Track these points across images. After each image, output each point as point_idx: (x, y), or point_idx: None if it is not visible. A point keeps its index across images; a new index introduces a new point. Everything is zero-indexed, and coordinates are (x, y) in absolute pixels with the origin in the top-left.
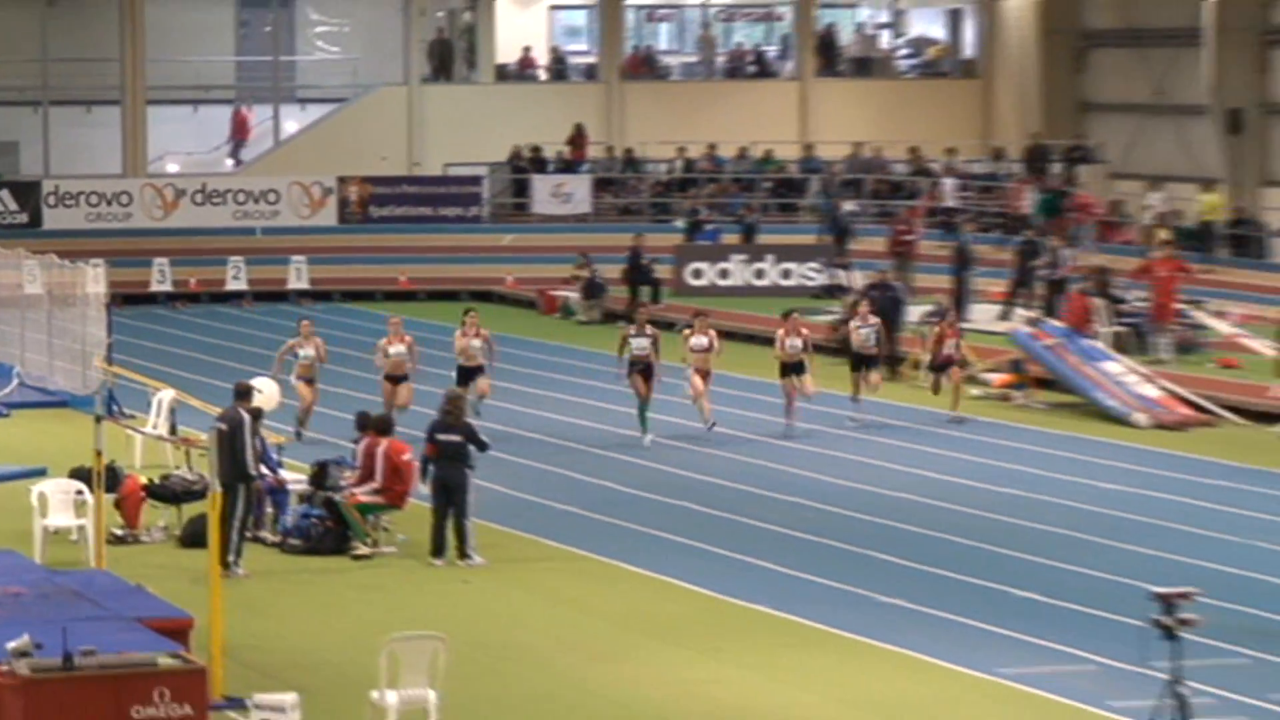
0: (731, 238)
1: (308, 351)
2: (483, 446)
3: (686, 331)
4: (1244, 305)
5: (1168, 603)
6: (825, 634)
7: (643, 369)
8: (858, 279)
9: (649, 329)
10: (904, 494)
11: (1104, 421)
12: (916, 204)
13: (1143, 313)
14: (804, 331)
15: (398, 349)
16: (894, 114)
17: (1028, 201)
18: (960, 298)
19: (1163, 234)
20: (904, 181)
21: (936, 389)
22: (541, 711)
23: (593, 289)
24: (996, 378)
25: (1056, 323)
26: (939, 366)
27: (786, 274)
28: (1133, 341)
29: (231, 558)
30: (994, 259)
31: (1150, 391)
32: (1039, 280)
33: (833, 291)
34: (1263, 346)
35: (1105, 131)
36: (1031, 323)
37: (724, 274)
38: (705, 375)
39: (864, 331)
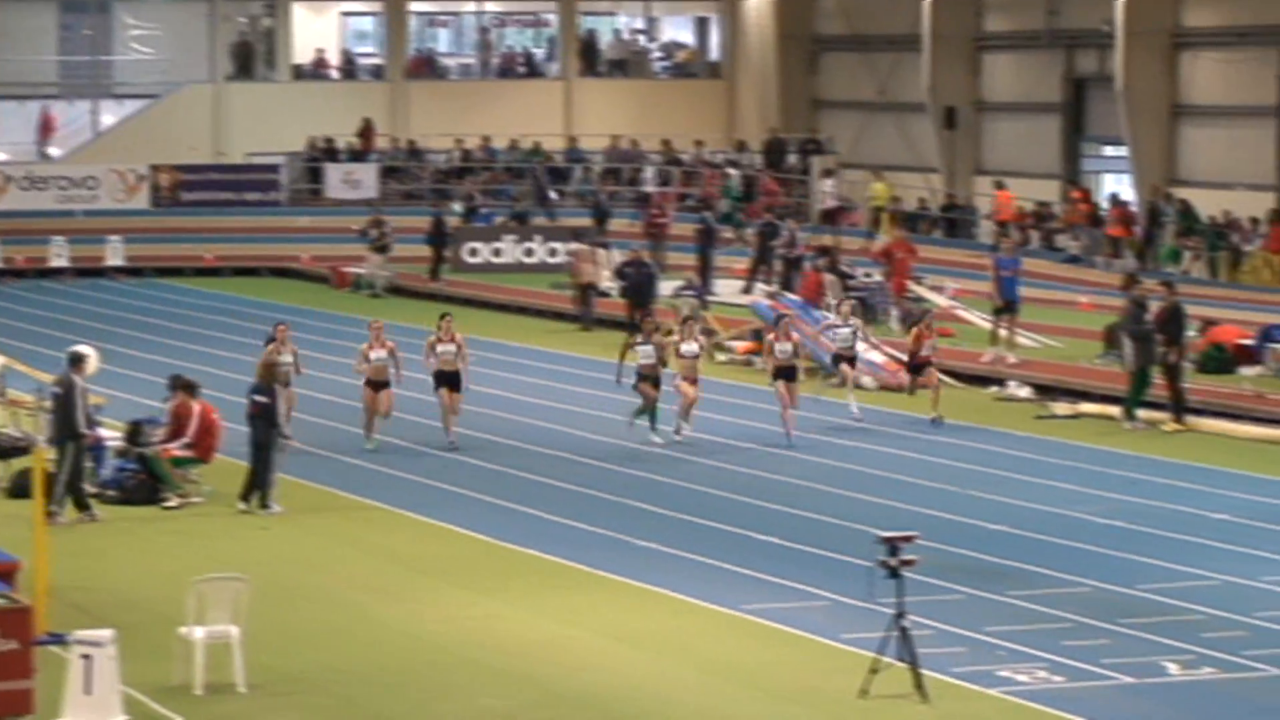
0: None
1: (285, 358)
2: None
3: (674, 336)
4: (958, 280)
5: (892, 545)
6: (589, 575)
7: (652, 380)
8: (616, 257)
9: (656, 337)
10: (659, 449)
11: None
12: (668, 190)
13: (870, 287)
14: (794, 336)
15: (379, 354)
16: (649, 110)
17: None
18: (705, 274)
19: (890, 219)
20: (659, 170)
21: (913, 390)
22: (334, 643)
23: (383, 245)
24: (740, 345)
25: (793, 296)
26: (916, 367)
27: (553, 252)
28: (860, 313)
29: (54, 507)
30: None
31: (876, 357)
32: (777, 258)
33: None
34: (974, 317)
35: (835, 126)
36: (771, 296)
37: (497, 253)
38: (694, 383)
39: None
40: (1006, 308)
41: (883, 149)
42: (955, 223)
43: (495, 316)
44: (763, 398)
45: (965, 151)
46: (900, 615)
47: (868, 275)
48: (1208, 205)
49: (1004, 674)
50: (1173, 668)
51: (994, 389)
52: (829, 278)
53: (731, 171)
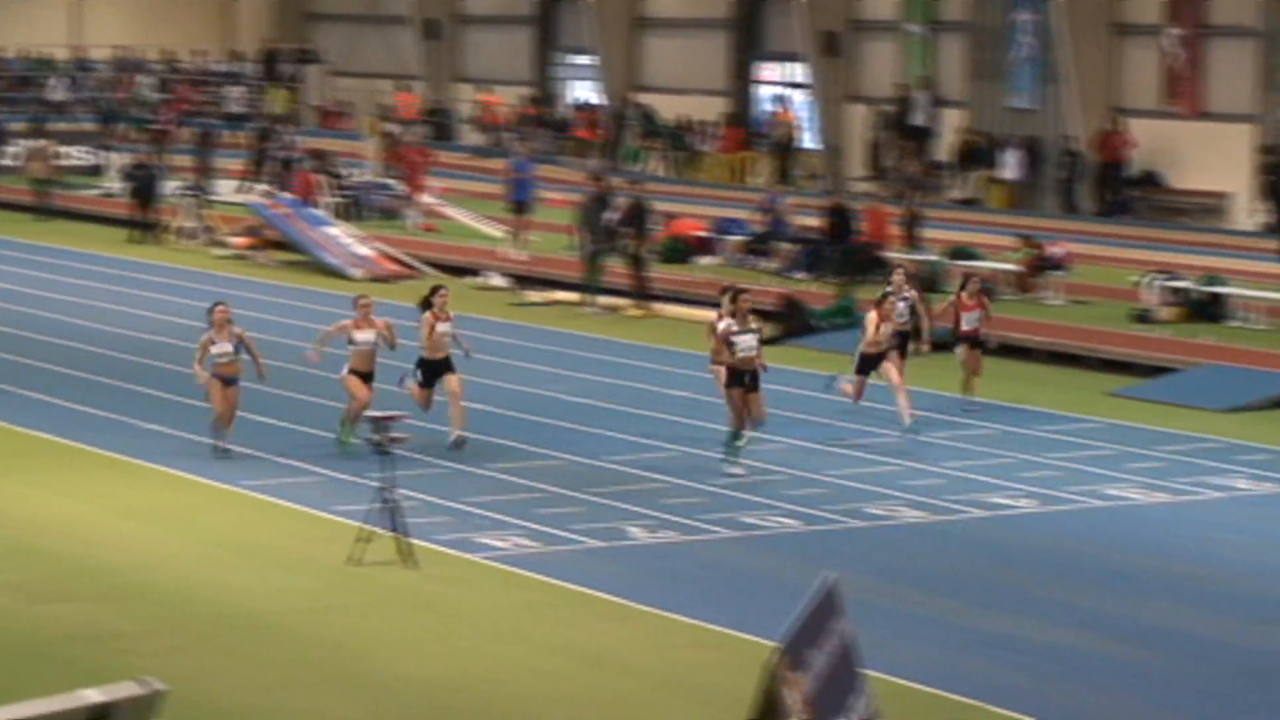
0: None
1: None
2: None
3: (719, 315)
4: (441, 180)
5: (380, 424)
6: (98, 455)
7: (749, 380)
8: (120, 159)
9: (753, 321)
10: (160, 337)
11: (327, 276)
12: (170, 98)
13: (359, 187)
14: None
15: (365, 335)
16: (152, 22)
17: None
18: (205, 175)
19: (386, 126)
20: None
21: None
22: None
23: None
24: (238, 240)
25: (287, 195)
26: (966, 339)
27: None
28: (350, 210)
29: None
30: (233, 143)
31: (365, 251)
32: (273, 160)
33: (97, 170)
34: (459, 215)
35: (328, 38)
36: (266, 195)
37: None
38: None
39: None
40: (517, 209)
41: (370, 59)
42: (439, 126)
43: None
44: (265, 290)
45: (446, 61)
46: (387, 489)
47: (353, 174)
48: (668, 110)
49: (484, 540)
50: (636, 532)
51: (472, 279)
52: (320, 178)
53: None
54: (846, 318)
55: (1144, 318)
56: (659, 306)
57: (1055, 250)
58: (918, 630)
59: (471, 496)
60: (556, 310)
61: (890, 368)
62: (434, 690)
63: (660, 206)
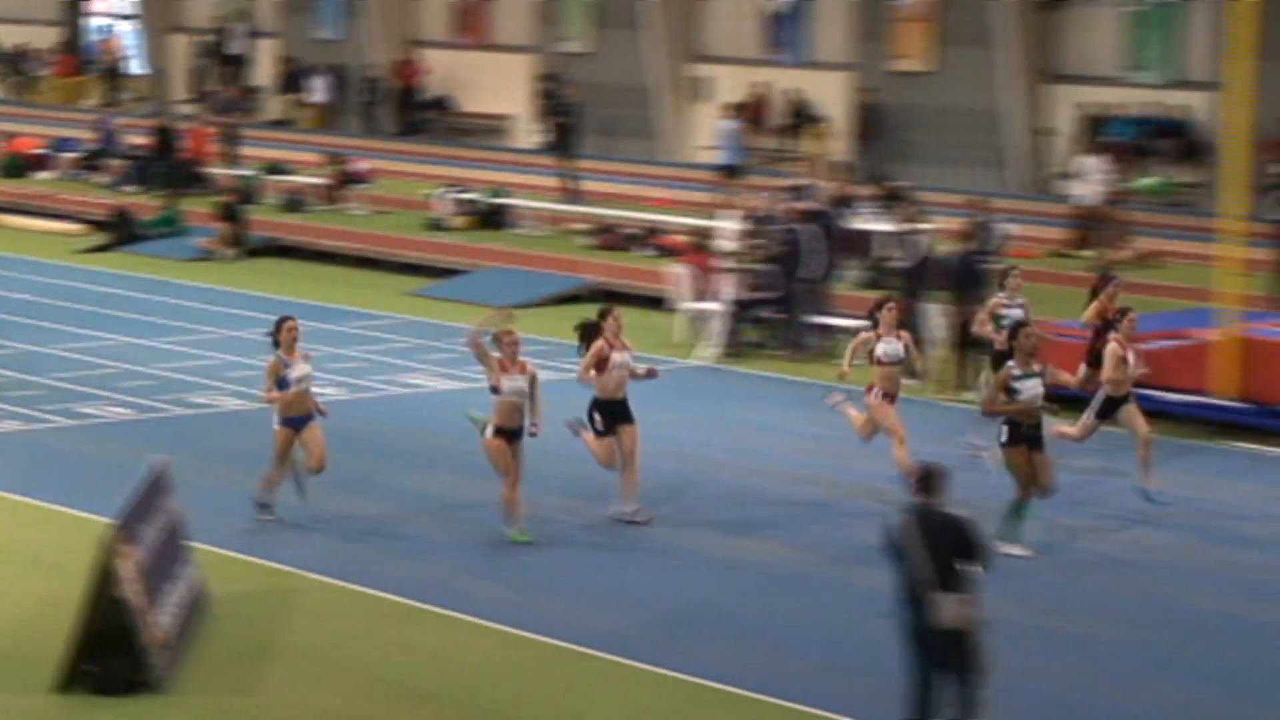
0: None
1: None
2: None
3: (869, 332)
4: None
5: None
6: None
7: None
8: None
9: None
10: None
11: None
12: None
13: None
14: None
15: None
16: None
17: None
18: None
19: None
20: None
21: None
22: None
23: None
24: None
25: None
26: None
27: None
28: None
29: None
30: None
31: None
32: None
33: None
34: None
35: None
36: None
37: None
38: (893, 398)
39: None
40: None
41: None
42: None
43: None
44: None
45: None
46: None
47: None
48: (8, 37)
49: None
50: None
51: None
52: None
53: None
54: (170, 227)
55: (438, 226)
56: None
57: (359, 166)
58: (236, 506)
59: None
60: None
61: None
62: None
63: (2, 126)
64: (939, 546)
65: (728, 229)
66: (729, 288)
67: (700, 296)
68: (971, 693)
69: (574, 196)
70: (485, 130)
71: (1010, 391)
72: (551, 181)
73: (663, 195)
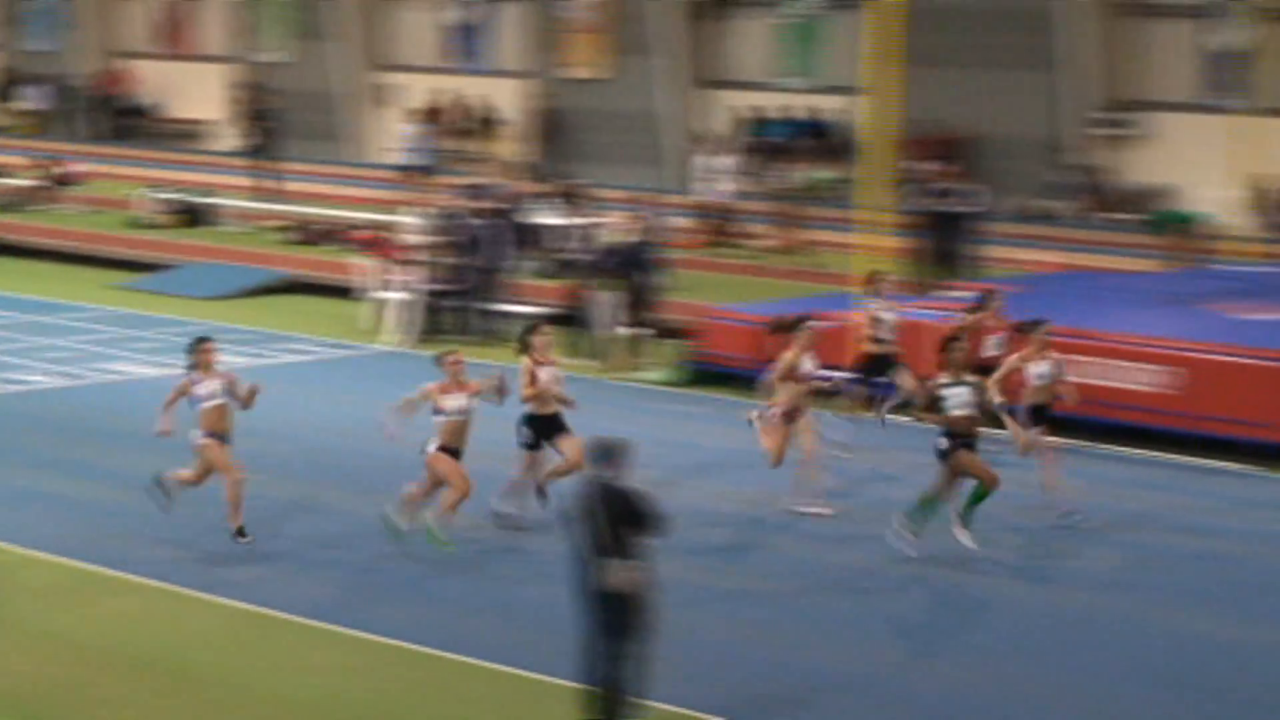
0: None
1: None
2: None
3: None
4: None
5: None
6: None
7: (965, 441)
8: None
9: (968, 376)
10: None
11: None
12: None
13: None
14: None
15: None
16: None
17: None
18: None
19: None
20: None
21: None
22: None
23: None
24: None
25: None
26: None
27: None
28: None
29: None
30: None
31: None
32: None
33: None
34: None
35: None
36: None
37: None
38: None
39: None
40: None
41: None
42: None
43: None
44: None
45: None
46: None
47: None
48: None
49: None
50: None
51: None
52: None
53: None
54: None
55: (139, 223)
56: None
57: (74, 169)
58: None
59: None
60: None
61: None
62: None
63: None
64: (610, 516)
65: (412, 224)
66: (418, 278)
67: (385, 286)
68: (637, 651)
69: (275, 196)
70: (188, 135)
71: (938, 401)
72: (247, 181)
73: (353, 194)
